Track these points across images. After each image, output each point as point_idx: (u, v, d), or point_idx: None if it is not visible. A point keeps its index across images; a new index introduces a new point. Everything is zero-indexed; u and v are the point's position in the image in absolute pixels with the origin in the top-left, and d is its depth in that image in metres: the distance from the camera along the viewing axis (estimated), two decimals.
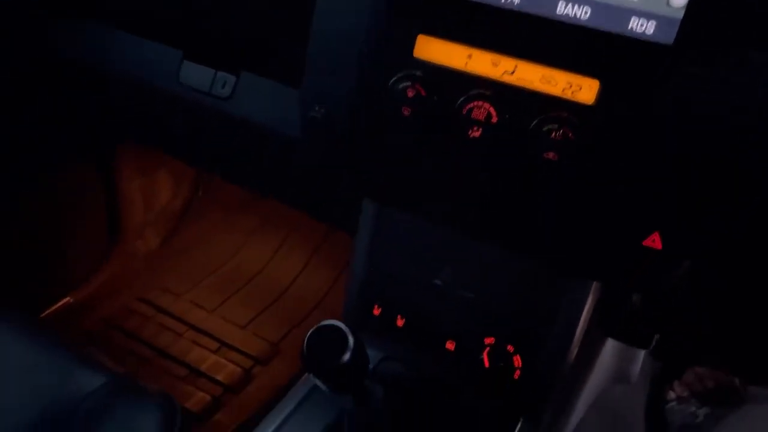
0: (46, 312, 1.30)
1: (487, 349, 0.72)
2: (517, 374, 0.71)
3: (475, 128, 0.59)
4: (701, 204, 0.54)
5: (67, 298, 1.34)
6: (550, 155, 0.56)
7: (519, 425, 0.72)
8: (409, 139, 0.63)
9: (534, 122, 0.55)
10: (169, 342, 1.27)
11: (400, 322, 0.76)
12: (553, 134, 0.56)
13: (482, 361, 0.72)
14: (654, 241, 0.56)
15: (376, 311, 0.77)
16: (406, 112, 0.59)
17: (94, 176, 1.32)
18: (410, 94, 0.59)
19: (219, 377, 1.20)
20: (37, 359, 0.76)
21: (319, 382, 0.51)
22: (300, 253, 1.46)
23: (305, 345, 0.50)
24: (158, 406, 0.70)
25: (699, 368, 1.11)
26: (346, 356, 0.49)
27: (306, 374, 0.73)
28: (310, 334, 0.50)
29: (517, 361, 0.71)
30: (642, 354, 0.87)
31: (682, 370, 1.12)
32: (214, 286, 1.41)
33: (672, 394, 1.10)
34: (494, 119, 0.57)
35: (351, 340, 0.49)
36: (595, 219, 0.58)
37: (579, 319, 0.68)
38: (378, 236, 0.76)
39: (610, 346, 0.84)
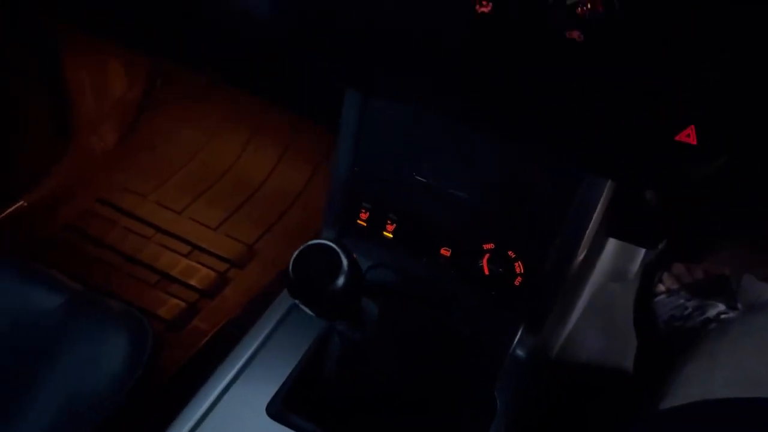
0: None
1: (487, 255, 0.66)
2: (518, 281, 0.66)
3: (484, 2, 0.49)
4: (744, 95, 0.47)
5: (21, 202, 1.24)
6: (575, 35, 0.48)
7: (519, 333, 0.67)
8: (403, 11, 0.52)
9: None
10: (137, 247, 1.19)
11: (389, 227, 0.69)
12: (579, 9, 0.47)
13: (481, 268, 0.66)
14: (689, 135, 0.49)
15: (363, 215, 0.70)
16: None
17: (31, 61, 1.16)
18: None
19: (192, 282, 1.14)
20: None
21: (307, 310, 0.44)
22: (272, 148, 1.35)
23: (291, 269, 0.42)
24: (124, 327, 0.63)
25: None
26: (340, 281, 0.41)
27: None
28: (296, 256, 0.42)
29: (519, 267, 0.66)
30: (642, 252, 0.83)
31: (671, 262, 1.10)
32: (181, 185, 1.32)
33: (661, 287, 1.08)
34: None
35: (345, 262, 0.42)
36: (624, 110, 0.50)
37: (590, 220, 0.62)
38: (363, 133, 0.67)
39: (612, 247, 0.79)
